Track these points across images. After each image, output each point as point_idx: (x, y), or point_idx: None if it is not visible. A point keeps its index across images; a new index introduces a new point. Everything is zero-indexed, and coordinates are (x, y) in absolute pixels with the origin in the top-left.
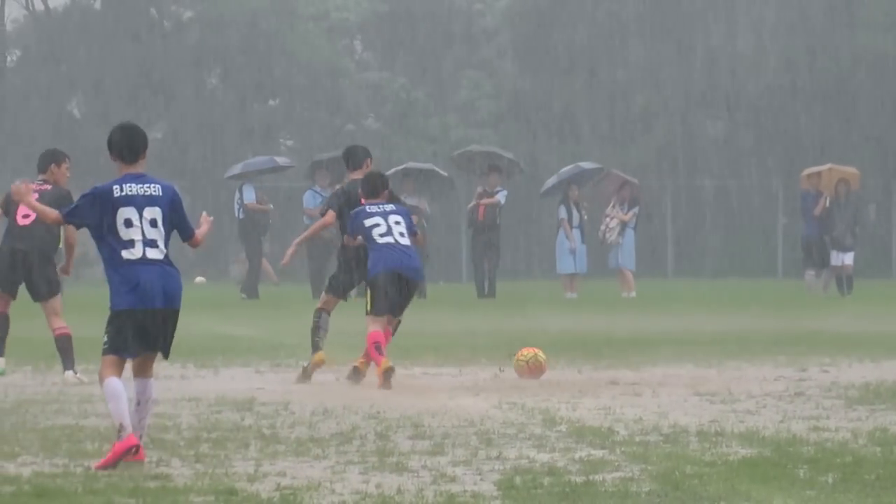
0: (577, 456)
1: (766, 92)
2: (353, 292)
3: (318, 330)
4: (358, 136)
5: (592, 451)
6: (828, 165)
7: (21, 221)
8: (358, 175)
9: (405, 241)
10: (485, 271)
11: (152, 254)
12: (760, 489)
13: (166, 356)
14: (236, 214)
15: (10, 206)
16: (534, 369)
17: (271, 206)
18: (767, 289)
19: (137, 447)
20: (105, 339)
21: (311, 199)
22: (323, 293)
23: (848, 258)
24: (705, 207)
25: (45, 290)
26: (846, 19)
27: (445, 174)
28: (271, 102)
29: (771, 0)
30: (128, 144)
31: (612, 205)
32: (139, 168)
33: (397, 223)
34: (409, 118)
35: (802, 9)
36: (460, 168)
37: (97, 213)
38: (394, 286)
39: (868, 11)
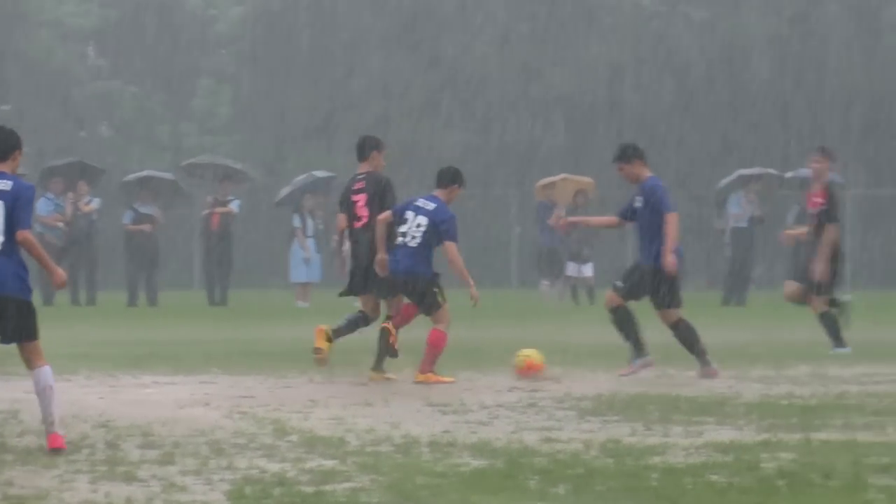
0: (307, 466)
1: (501, 102)
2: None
3: None
4: (91, 144)
5: (323, 462)
6: (562, 175)
7: None
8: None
9: (413, 242)
10: (216, 279)
11: None
12: (492, 500)
13: (22, 340)
14: None
15: None
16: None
17: None
18: (501, 299)
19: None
20: None
21: (44, 206)
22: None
23: (587, 269)
24: None
25: None
26: (582, 30)
27: (181, 184)
28: (3, 108)
29: (511, 10)
30: None
31: None
32: (6, 167)
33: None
34: (142, 126)
35: (540, 19)
36: (191, 176)
37: None
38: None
39: (602, 24)
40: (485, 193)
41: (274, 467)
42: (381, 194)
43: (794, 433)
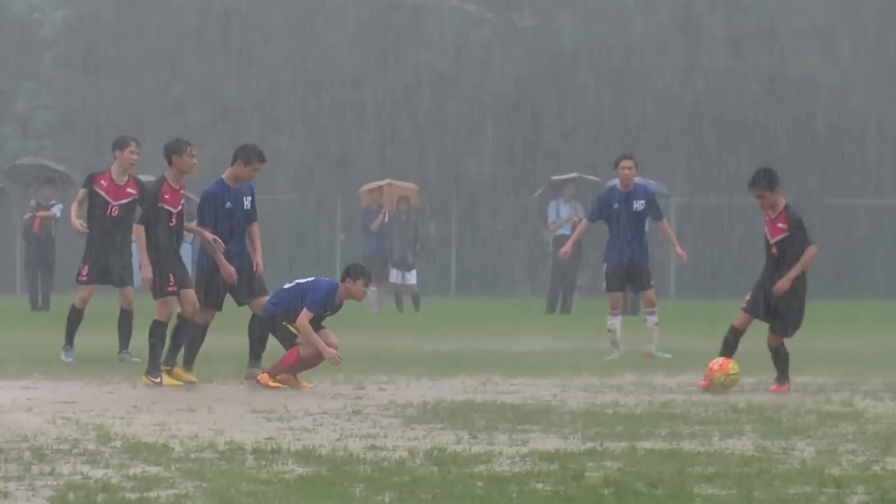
0: (131, 472)
1: (328, 107)
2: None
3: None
4: None
5: (147, 468)
6: (387, 180)
7: None
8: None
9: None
10: (38, 284)
11: None
12: None
13: None
14: None
15: None
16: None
17: None
18: None
19: None
20: None
21: None
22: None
23: (411, 277)
24: (267, 222)
25: None
26: (409, 37)
27: (3, 187)
28: None
29: (336, 15)
30: None
31: None
32: None
33: None
34: None
35: (364, 27)
36: (13, 180)
37: None
38: None
39: (427, 31)
40: (307, 199)
41: (97, 473)
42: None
43: (620, 442)
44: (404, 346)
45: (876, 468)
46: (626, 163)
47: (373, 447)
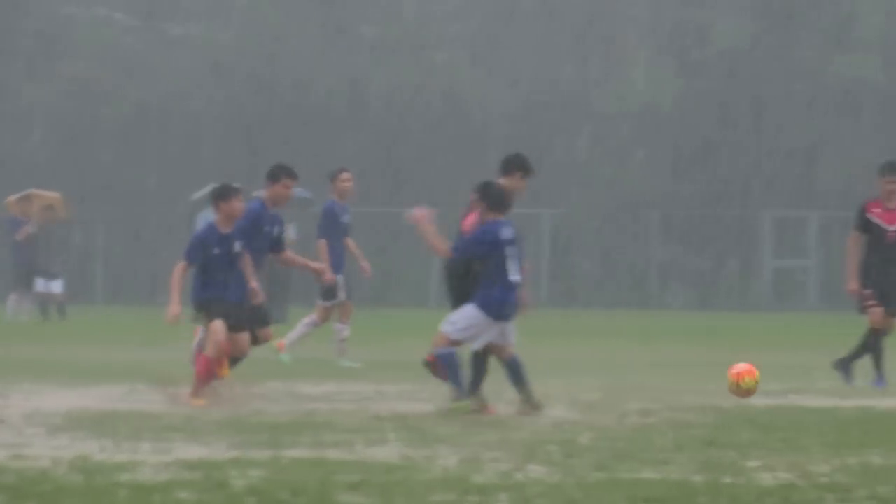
0: None
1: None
2: None
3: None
4: None
5: None
6: (31, 189)
7: None
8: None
9: None
10: None
11: None
12: None
13: None
14: None
15: None
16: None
17: None
18: None
19: None
20: None
21: None
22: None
23: (56, 286)
24: None
25: None
26: (59, 45)
27: None
28: None
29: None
30: None
31: None
32: None
33: None
34: None
35: (16, 35)
36: None
37: None
38: None
39: (77, 39)
40: None
41: None
42: None
43: (264, 450)
44: (49, 355)
45: (519, 476)
46: (346, 175)
47: (17, 456)
